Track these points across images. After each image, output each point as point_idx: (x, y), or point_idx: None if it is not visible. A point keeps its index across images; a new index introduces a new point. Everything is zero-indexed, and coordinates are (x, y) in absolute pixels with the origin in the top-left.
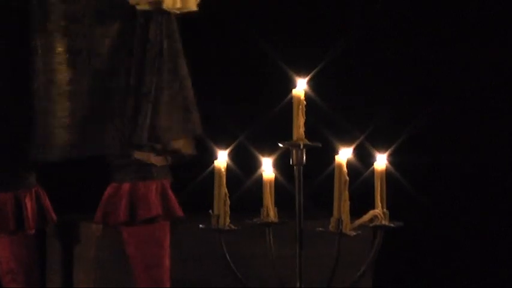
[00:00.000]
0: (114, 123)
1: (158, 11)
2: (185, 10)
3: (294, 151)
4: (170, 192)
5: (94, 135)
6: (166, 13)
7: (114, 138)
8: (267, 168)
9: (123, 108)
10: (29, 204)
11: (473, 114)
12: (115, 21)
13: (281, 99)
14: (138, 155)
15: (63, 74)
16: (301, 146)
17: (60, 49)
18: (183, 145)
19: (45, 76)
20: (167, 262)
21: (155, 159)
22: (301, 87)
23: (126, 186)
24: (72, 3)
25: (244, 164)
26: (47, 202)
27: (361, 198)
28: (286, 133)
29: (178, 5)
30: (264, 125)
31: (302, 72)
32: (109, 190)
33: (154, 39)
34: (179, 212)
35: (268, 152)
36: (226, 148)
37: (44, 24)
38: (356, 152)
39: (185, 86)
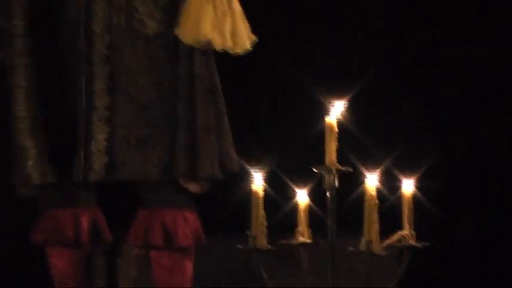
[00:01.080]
0: (155, 150)
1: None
2: (238, 50)
3: (326, 176)
4: (198, 221)
5: (133, 160)
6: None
7: (155, 166)
8: (302, 195)
9: (165, 137)
10: (85, 222)
11: (493, 142)
12: (158, 51)
13: (314, 126)
14: (186, 184)
15: (103, 101)
16: (334, 171)
17: (102, 76)
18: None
19: (87, 101)
20: (189, 285)
21: (196, 188)
22: (333, 115)
23: (161, 212)
24: (116, 33)
25: (277, 187)
26: (103, 223)
27: (388, 219)
28: (318, 158)
29: (229, 44)
30: (298, 150)
31: (334, 101)
32: (144, 214)
33: (203, 75)
34: (203, 239)
35: (301, 177)
36: (260, 171)
37: (89, 53)
38: (383, 176)
39: (225, 120)
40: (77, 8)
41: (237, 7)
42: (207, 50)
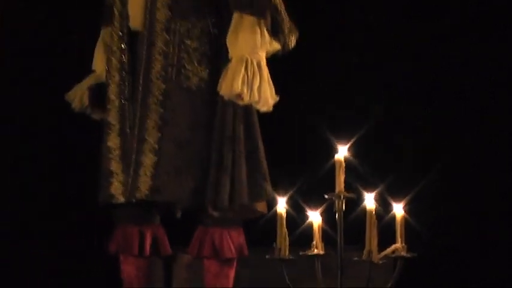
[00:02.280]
0: (187, 180)
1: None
2: (262, 106)
3: (336, 201)
4: (242, 237)
5: (171, 186)
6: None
7: (185, 192)
8: (316, 216)
9: (197, 170)
10: (148, 237)
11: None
12: (197, 102)
13: (327, 161)
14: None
15: (154, 136)
16: (342, 197)
17: (155, 117)
18: (259, 206)
19: (140, 135)
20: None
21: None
22: (342, 153)
23: (211, 230)
24: (168, 84)
25: (297, 209)
26: (164, 237)
27: (385, 234)
28: (330, 187)
29: (256, 98)
30: (314, 180)
31: (342, 141)
32: (199, 231)
33: (230, 123)
34: (246, 253)
35: (315, 202)
36: (284, 197)
37: (146, 98)
38: (379, 200)
39: (261, 157)
40: (139, 60)
41: (265, 70)
42: (238, 107)
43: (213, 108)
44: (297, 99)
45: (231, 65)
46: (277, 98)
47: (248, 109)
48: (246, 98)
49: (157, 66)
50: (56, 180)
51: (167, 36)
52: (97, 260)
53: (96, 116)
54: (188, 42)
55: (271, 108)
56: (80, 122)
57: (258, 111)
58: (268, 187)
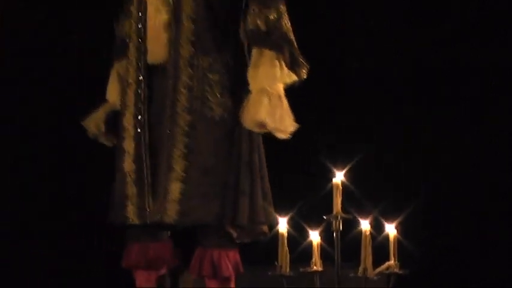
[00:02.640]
0: (211, 204)
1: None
2: (283, 134)
3: (334, 221)
4: (238, 257)
5: (196, 210)
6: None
7: (209, 215)
8: (315, 235)
9: (219, 194)
10: (158, 252)
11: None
12: (220, 131)
13: (325, 185)
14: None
15: (180, 164)
16: (339, 218)
17: (181, 146)
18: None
19: (168, 164)
20: None
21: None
22: (339, 178)
23: (210, 251)
24: (193, 115)
25: (297, 229)
26: (172, 253)
27: (379, 252)
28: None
29: (278, 127)
30: (313, 202)
31: (339, 166)
32: (199, 251)
33: (247, 150)
34: (241, 270)
35: (315, 222)
36: (285, 218)
37: (173, 129)
38: (374, 221)
39: (268, 182)
40: (161, 92)
41: (285, 101)
42: (253, 136)
43: (233, 137)
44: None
45: (253, 97)
46: (297, 126)
47: (259, 139)
48: (271, 126)
49: (182, 99)
50: (56, 180)
51: (191, 71)
52: (97, 260)
53: (109, 141)
54: (210, 75)
55: (289, 136)
56: (79, 122)
57: None
58: (272, 211)
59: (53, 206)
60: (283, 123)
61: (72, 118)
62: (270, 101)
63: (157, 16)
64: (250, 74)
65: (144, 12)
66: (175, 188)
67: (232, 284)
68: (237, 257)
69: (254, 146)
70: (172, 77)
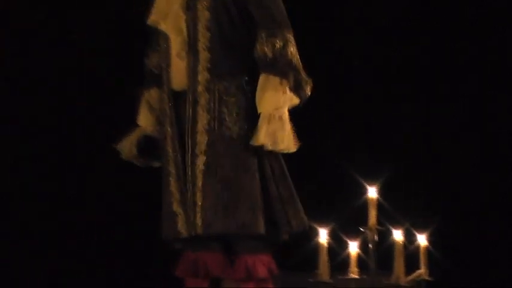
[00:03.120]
0: (233, 215)
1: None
2: (286, 150)
3: (369, 233)
4: (271, 260)
5: (219, 221)
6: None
7: (232, 225)
8: (353, 246)
9: (241, 205)
10: (209, 262)
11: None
12: (238, 147)
13: (359, 199)
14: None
15: (201, 180)
16: (374, 230)
17: (201, 162)
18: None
19: (193, 180)
20: None
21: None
22: (372, 192)
23: (245, 257)
24: (212, 134)
25: (336, 240)
26: (221, 262)
27: (410, 262)
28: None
29: (279, 147)
30: (350, 215)
31: (372, 181)
32: (235, 258)
33: (267, 165)
34: (276, 271)
35: (352, 233)
36: (325, 229)
37: (193, 147)
38: (406, 232)
39: (288, 190)
40: (183, 116)
41: (287, 123)
42: (270, 152)
43: (252, 152)
44: (330, 144)
45: (259, 120)
46: (299, 144)
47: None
48: (270, 148)
49: (202, 121)
50: (56, 180)
51: (208, 95)
52: (97, 259)
53: (140, 163)
54: (226, 98)
55: (293, 150)
56: (79, 122)
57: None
58: (297, 216)
59: (53, 206)
60: (284, 144)
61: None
62: (270, 125)
63: (177, 47)
64: (257, 98)
65: (167, 44)
66: (199, 202)
67: (270, 285)
68: (271, 260)
69: (271, 158)
70: (191, 101)
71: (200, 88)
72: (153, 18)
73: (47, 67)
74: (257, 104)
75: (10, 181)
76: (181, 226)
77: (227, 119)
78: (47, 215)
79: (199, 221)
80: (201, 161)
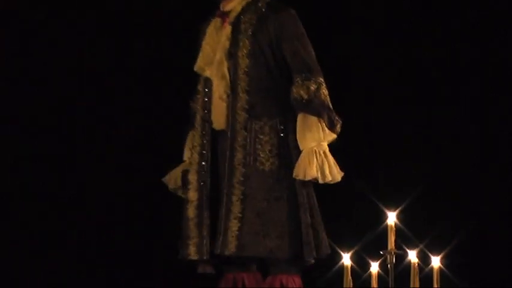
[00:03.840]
0: (264, 240)
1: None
2: (333, 182)
3: (388, 256)
4: (300, 281)
5: (251, 245)
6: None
7: (263, 249)
8: (375, 266)
9: (272, 232)
10: (247, 281)
11: None
12: (270, 181)
13: (379, 224)
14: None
15: (238, 208)
16: (393, 253)
17: (238, 193)
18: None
19: (227, 208)
20: None
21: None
22: (391, 219)
23: (280, 276)
24: (247, 168)
25: (358, 262)
26: (258, 280)
27: (425, 281)
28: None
29: (328, 179)
30: (371, 240)
31: (391, 207)
32: (270, 278)
33: (302, 193)
34: None
35: (373, 256)
36: (348, 252)
37: (230, 179)
38: (420, 254)
39: (316, 217)
40: (223, 151)
41: (330, 156)
42: (300, 183)
43: (283, 184)
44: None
45: (304, 156)
46: (343, 174)
47: (308, 184)
48: (322, 180)
49: (238, 156)
50: (56, 180)
51: (245, 133)
52: (97, 259)
53: (183, 194)
54: (261, 136)
55: (339, 180)
56: (79, 122)
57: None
58: (323, 242)
59: (53, 206)
60: (332, 175)
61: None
62: (318, 159)
63: (219, 90)
64: (299, 136)
65: (210, 88)
66: (233, 226)
67: None
68: (300, 280)
69: (305, 187)
70: (230, 137)
71: (238, 127)
72: (199, 65)
73: (47, 67)
74: (299, 142)
75: (10, 181)
76: (192, 250)
77: (261, 155)
78: (47, 214)
79: (231, 244)
80: (238, 191)
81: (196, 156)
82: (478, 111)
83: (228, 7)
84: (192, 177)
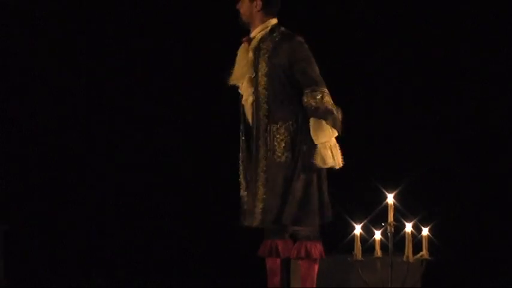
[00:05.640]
0: (285, 215)
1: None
2: (337, 167)
3: (388, 227)
4: (321, 246)
5: (269, 217)
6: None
7: (286, 217)
8: (377, 234)
9: (292, 209)
10: (280, 246)
11: None
12: (285, 171)
13: (382, 202)
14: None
15: (261, 191)
16: (392, 225)
17: (263, 179)
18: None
19: (254, 193)
20: (314, 277)
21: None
22: (390, 198)
23: (305, 242)
24: (267, 160)
25: (367, 232)
26: (289, 247)
27: (417, 246)
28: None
29: (340, 165)
30: (375, 215)
31: (391, 188)
32: (298, 244)
33: (304, 178)
34: (323, 256)
35: (377, 226)
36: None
37: (256, 168)
38: (414, 225)
39: (324, 193)
40: (252, 148)
41: (337, 147)
42: (312, 169)
43: (295, 171)
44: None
45: (320, 149)
46: (344, 163)
47: (322, 170)
48: (336, 167)
49: (261, 152)
50: (56, 180)
51: (266, 134)
52: (97, 259)
53: None
54: (278, 136)
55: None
56: (80, 122)
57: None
58: (327, 212)
59: (53, 206)
60: (338, 162)
61: (72, 118)
62: (332, 151)
63: (248, 99)
64: (313, 135)
65: (241, 99)
66: (259, 205)
67: (317, 265)
68: (321, 247)
69: (311, 174)
70: (255, 137)
71: (261, 129)
72: (232, 79)
73: (47, 67)
74: (314, 138)
75: (10, 181)
76: (244, 218)
77: (278, 150)
78: (48, 215)
79: (257, 217)
80: (262, 178)
81: (243, 146)
82: (469, 101)
83: (253, 34)
84: (241, 159)
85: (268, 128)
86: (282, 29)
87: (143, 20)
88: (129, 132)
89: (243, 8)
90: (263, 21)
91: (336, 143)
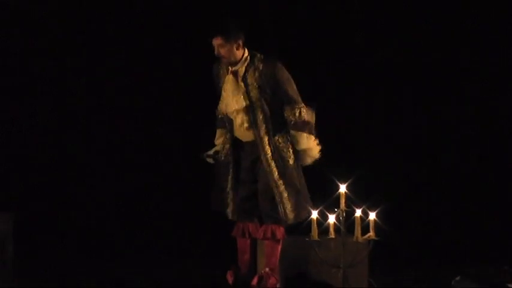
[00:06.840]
0: (284, 203)
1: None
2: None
3: (340, 212)
4: (283, 230)
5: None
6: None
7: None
8: (331, 218)
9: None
10: (251, 228)
11: None
12: (289, 166)
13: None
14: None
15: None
16: (343, 210)
17: (276, 174)
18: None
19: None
20: (278, 255)
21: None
22: (343, 188)
23: (271, 225)
24: (272, 158)
25: (321, 216)
26: (257, 229)
27: (365, 229)
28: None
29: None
30: (329, 202)
31: (343, 179)
32: (264, 226)
33: (298, 174)
34: (284, 237)
35: (332, 212)
36: (315, 210)
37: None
38: (363, 211)
39: (305, 188)
40: (251, 152)
41: (315, 146)
42: (299, 168)
43: (297, 170)
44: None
45: (305, 152)
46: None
47: (300, 168)
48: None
49: (268, 153)
50: (56, 180)
51: (268, 147)
52: (96, 258)
53: (209, 160)
54: (280, 145)
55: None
56: (79, 122)
57: None
58: (308, 206)
59: (53, 205)
60: (317, 157)
61: (72, 119)
62: (310, 151)
63: (237, 121)
64: (294, 143)
65: (230, 119)
66: (287, 204)
67: (280, 245)
68: (283, 230)
69: (300, 171)
70: (261, 150)
71: (264, 143)
72: (221, 107)
73: (47, 67)
74: (295, 146)
75: (10, 181)
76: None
77: (286, 156)
78: (48, 215)
79: (291, 215)
80: (274, 171)
81: (228, 147)
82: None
83: (235, 68)
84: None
85: (271, 141)
86: (258, 55)
87: (143, 20)
88: (129, 132)
89: (224, 52)
90: (243, 54)
91: (316, 144)
